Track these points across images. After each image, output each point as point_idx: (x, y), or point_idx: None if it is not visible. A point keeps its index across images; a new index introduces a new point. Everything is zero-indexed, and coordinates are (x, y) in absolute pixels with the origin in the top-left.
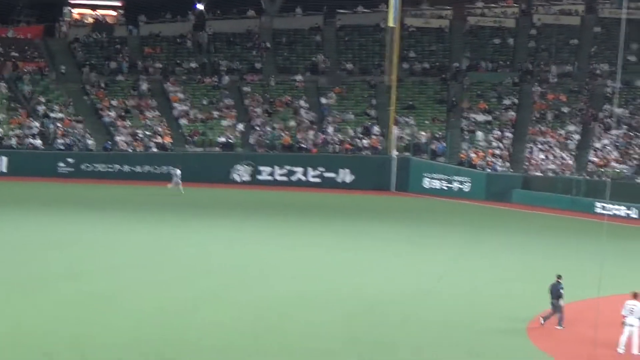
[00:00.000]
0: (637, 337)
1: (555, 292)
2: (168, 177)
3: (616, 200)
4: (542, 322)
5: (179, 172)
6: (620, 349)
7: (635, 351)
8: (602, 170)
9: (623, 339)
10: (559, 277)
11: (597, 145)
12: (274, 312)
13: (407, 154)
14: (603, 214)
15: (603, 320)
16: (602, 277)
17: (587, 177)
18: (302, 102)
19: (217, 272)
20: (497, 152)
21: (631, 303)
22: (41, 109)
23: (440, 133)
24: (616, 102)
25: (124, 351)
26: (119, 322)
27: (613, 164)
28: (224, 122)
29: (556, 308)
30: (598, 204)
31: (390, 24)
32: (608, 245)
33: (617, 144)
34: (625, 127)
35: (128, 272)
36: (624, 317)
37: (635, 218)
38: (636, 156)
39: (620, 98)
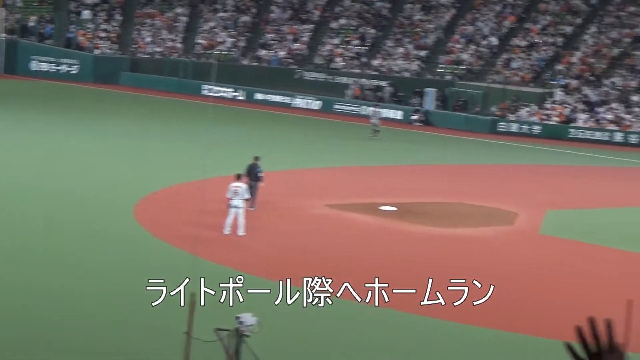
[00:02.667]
0: (243, 218)
1: (254, 174)
2: None
3: (223, 83)
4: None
5: None
6: (226, 231)
7: (240, 232)
8: (210, 52)
9: (229, 221)
10: (257, 158)
11: (205, 27)
12: None
13: (14, 36)
14: (209, 96)
15: (209, 201)
16: (207, 159)
17: (194, 60)
18: None
19: None
20: (105, 34)
21: (235, 185)
22: None
23: (48, 15)
24: None
25: None
26: None
27: (220, 46)
28: None
29: (252, 189)
30: (205, 86)
31: None
32: (213, 127)
33: (225, 25)
34: (233, 9)
35: None
36: (229, 199)
37: (242, 100)
38: (243, 38)
39: None
